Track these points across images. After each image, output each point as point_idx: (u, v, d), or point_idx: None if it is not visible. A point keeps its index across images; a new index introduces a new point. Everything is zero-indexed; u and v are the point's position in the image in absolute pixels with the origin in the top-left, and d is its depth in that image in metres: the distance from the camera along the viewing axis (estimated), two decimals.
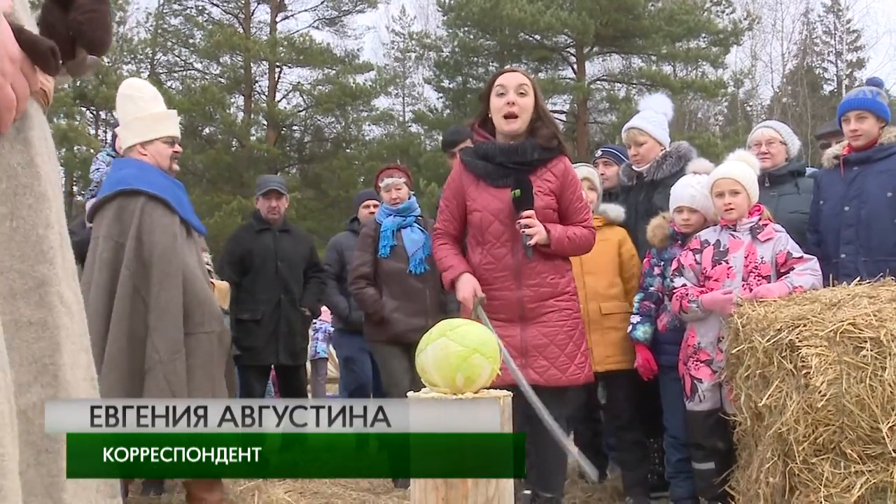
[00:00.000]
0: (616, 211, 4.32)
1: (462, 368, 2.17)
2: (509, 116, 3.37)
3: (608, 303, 4.09)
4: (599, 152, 5.34)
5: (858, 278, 3.37)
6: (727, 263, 3.65)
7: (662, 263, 4.01)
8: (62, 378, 1.74)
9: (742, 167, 3.77)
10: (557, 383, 3.31)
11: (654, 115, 4.63)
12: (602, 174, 4.79)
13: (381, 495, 4.53)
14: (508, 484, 2.21)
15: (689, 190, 3.94)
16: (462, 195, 3.47)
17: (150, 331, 3.55)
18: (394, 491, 4.64)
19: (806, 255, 3.56)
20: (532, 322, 3.36)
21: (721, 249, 3.69)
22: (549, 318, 3.38)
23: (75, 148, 21.39)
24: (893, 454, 2.80)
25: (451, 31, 24.93)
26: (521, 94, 3.38)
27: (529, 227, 3.30)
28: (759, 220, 3.68)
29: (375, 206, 5.66)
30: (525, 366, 3.25)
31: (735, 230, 3.69)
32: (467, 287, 3.33)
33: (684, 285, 3.68)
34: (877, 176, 3.92)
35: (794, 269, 3.52)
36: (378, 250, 4.99)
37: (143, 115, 4.01)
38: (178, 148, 4.11)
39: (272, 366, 5.87)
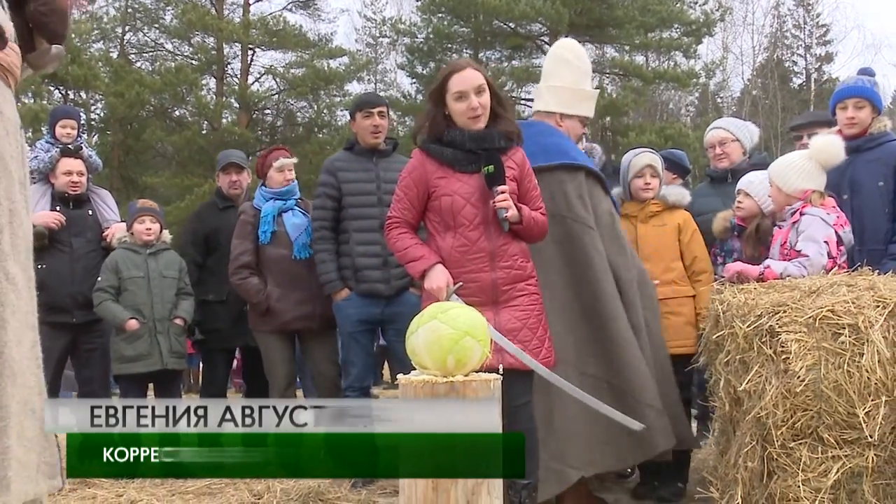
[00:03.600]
0: (676, 194, 4.29)
1: (453, 351, 2.17)
2: (474, 118, 3.38)
3: (663, 288, 4.11)
4: None
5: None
6: (769, 254, 3.75)
7: (724, 255, 4.20)
8: (7, 355, 1.81)
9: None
10: (531, 367, 3.33)
11: None
12: None
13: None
14: None
15: (750, 176, 4.05)
16: (425, 183, 3.42)
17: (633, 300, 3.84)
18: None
19: (805, 251, 3.49)
20: (505, 306, 3.37)
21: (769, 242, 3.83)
22: (520, 302, 3.39)
23: (44, 128, 20.99)
24: (869, 439, 2.86)
25: (425, 17, 24.85)
26: (480, 93, 3.37)
27: (504, 202, 3.31)
28: (801, 205, 3.65)
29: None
30: (501, 350, 3.25)
31: (783, 220, 3.76)
32: (440, 277, 3.30)
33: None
34: (867, 165, 3.97)
35: None
36: (258, 237, 4.83)
37: (576, 88, 3.89)
38: (585, 129, 4.02)
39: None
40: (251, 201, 5.06)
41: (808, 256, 3.46)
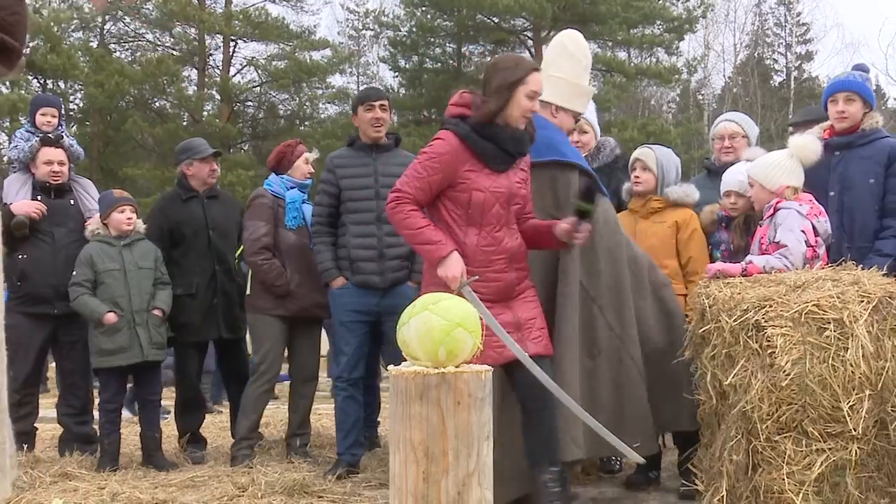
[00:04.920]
0: (679, 192, 4.25)
1: (445, 342, 2.17)
2: (528, 120, 3.41)
3: None
4: None
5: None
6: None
7: (711, 246, 4.21)
8: None
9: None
10: (550, 352, 3.42)
11: (592, 110, 4.71)
12: None
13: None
14: (488, 459, 2.22)
15: (739, 176, 4.04)
16: (454, 171, 3.31)
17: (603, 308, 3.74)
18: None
19: (784, 242, 3.52)
20: (516, 299, 3.44)
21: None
22: (528, 294, 3.48)
23: (22, 119, 20.72)
24: (853, 432, 2.89)
25: (408, 10, 24.79)
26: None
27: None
28: (776, 201, 3.69)
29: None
30: (522, 339, 3.31)
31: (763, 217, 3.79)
32: (456, 266, 3.23)
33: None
34: (859, 162, 3.99)
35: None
36: (279, 222, 4.89)
37: (573, 80, 3.82)
38: (575, 127, 4.03)
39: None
40: (261, 187, 5.10)
41: (787, 246, 3.50)
